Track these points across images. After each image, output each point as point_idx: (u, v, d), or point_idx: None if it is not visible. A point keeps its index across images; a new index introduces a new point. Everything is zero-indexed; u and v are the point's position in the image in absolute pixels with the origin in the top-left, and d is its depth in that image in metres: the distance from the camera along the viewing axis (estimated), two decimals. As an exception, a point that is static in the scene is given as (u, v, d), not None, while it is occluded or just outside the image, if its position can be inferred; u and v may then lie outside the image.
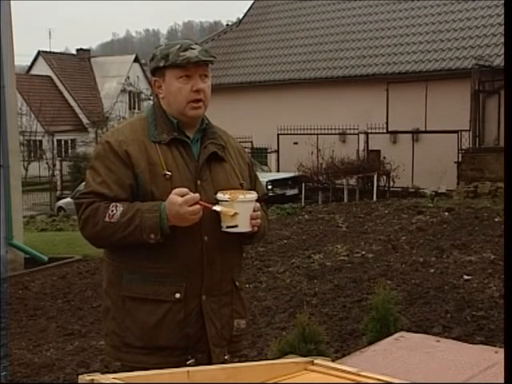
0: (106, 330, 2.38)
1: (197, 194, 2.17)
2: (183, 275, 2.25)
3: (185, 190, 2.17)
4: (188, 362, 2.23)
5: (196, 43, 2.34)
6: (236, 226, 2.22)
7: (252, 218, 2.25)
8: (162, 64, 2.30)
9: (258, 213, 2.28)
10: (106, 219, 2.18)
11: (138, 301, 2.26)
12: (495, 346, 3.93)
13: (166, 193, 2.20)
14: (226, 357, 2.35)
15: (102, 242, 2.28)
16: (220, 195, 2.24)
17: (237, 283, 2.40)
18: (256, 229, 2.29)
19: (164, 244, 2.21)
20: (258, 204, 2.30)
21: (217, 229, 2.25)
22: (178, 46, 2.29)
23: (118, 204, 2.20)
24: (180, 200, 2.14)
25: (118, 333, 2.30)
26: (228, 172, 2.38)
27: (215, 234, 2.26)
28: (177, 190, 2.17)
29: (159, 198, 2.21)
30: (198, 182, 2.28)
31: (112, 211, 2.19)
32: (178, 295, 2.24)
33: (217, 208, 2.21)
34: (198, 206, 2.16)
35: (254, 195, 2.27)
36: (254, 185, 2.49)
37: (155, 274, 2.24)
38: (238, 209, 2.20)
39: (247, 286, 7.02)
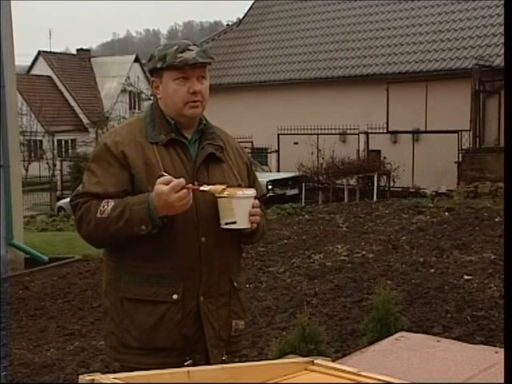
0: (105, 330, 2.38)
1: (182, 179, 2.13)
2: (181, 276, 2.24)
3: (169, 177, 2.14)
4: (186, 363, 2.22)
5: (194, 44, 2.32)
6: (234, 223, 2.20)
7: (251, 215, 2.23)
8: (159, 65, 2.30)
9: (257, 209, 2.27)
10: (98, 215, 2.18)
11: (136, 302, 2.25)
12: (495, 346, 3.93)
13: None
14: (224, 357, 2.34)
15: (97, 239, 2.27)
16: None
17: (235, 284, 2.39)
18: (255, 226, 2.28)
19: (161, 245, 2.21)
20: (256, 201, 2.28)
21: (215, 229, 2.24)
22: (175, 47, 2.28)
23: (110, 200, 2.20)
24: (166, 188, 2.10)
25: (116, 333, 2.30)
26: (226, 172, 2.37)
27: (213, 235, 2.25)
28: (161, 180, 2.13)
29: None
30: (196, 183, 2.26)
31: (103, 207, 2.19)
32: (175, 296, 2.23)
33: (205, 188, 2.18)
34: (185, 191, 2.12)
35: (252, 191, 2.26)
36: (252, 185, 2.47)
37: (153, 275, 2.24)
38: (237, 205, 2.19)
39: (247, 286, 7.02)
